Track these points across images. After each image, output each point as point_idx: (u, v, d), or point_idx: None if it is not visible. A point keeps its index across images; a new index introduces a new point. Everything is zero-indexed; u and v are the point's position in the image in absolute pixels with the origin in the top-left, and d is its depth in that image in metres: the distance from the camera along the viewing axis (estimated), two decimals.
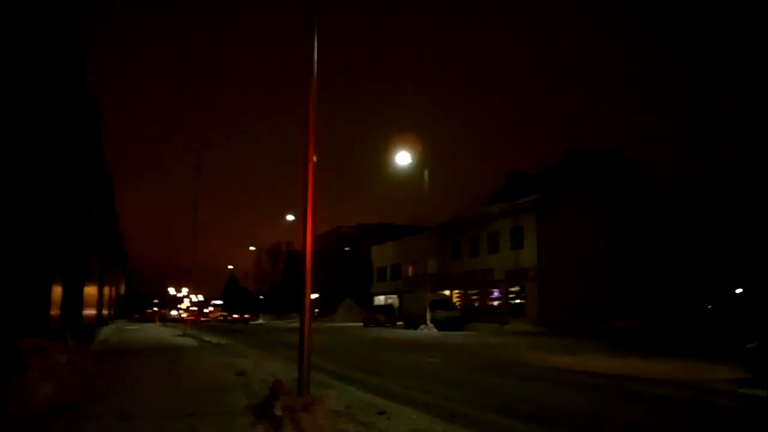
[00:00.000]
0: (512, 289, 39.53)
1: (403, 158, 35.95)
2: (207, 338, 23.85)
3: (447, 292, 45.08)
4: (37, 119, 11.78)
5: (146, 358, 14.45)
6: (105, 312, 32.47)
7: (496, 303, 41.08)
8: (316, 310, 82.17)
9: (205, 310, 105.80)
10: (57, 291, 13.56)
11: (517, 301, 39.09)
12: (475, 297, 43.63)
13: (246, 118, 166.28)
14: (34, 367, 9.26)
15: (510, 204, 40.33)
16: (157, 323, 57.43)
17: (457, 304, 43.79)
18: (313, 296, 63.07)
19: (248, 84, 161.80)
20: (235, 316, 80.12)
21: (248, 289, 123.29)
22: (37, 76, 11.96)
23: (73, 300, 15.82)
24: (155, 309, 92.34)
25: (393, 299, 56.02)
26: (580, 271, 36.02)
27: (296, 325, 40.79)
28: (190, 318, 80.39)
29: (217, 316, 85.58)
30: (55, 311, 13.25)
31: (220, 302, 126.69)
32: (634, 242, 37.67)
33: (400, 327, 42.07)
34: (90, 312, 20.91)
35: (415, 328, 37.35)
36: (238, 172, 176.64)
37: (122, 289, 68.97)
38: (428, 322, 36.47)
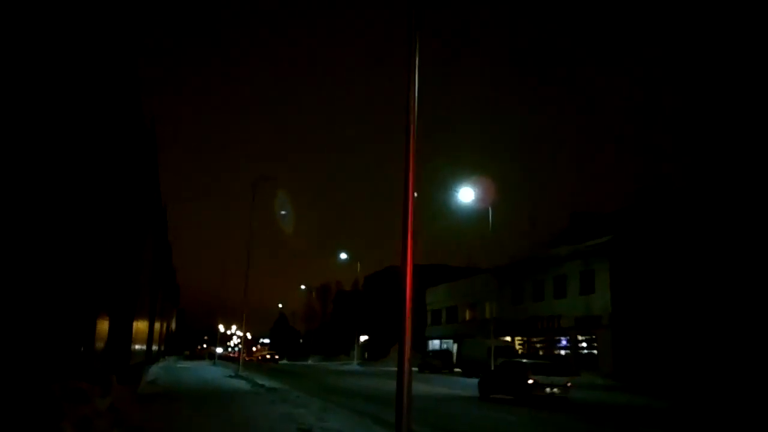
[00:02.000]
0: (582, 338, 36.65)
1: (466, 195, 34.18)
2: (260, 381, 22.24)
3: (508, 339, 42.44)
4: (85, 138, 10.58)
5: (198, 407, 12.86)
6: (155, 348, 31.39)
7: (563, 352, 38.17)
8: (366, 353, 79.95)
9: (253, 349, 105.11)
10: (102, 327, 12.20)
11: (588, 351, 36.16)
12: (539, 345, 40.80)
13: (305, 153, 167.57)
14: (68, 419, 7.76)
15: (580, 246, 37.76)
16: (207, 361, 56.46)
17: (520, 351, 41.06)
18: (363, 338, 61.48)
19: (309, 117, 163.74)
20: (267, 356, 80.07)
21: (297, 329, 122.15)
22: (90, 90, 10.82)
23: (121, 337, 14.47)
24: (205, 346, 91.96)
25: (448, 344, 53.49)
26: (660, 321, 32.92)
27: (348, 368, 39.46)
28: (255, 357, 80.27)
29: (257, 356, 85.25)
30: (99, 350, 11.87)
31: (267, 341, 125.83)
32: (722, 289, 34.31)
33: (458, 374, 39.55)
34: (139, 349, 19.64)
35: (478, 376, 34.83)
36: (294, 207, 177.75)
37: (173, 325, 68.52)
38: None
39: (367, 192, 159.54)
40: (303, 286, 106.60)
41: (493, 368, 22.04)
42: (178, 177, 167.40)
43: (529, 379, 18.55)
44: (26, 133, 8.49)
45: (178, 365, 37.88)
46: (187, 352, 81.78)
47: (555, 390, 18.16)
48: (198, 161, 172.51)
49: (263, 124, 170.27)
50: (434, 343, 57.67)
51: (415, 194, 6.68)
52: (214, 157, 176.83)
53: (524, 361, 20.75)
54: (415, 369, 46.37)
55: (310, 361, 79.58)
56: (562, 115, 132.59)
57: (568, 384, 18.57)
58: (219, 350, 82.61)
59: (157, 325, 30.46)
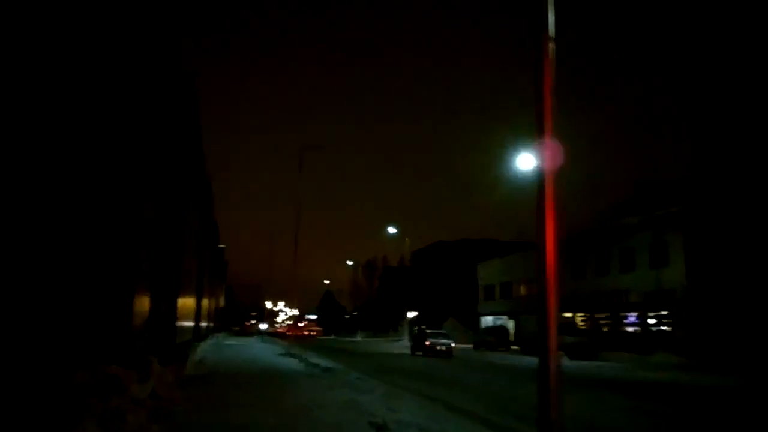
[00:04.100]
0: (652, 314, 34.10)
1: (525, 162, 31.86)
2: (314, 360, 20.84)
3: (569, 315, 40.21)
4: (119, 94, 8.98)
5: (250, 392, 11.39)
6: (204, 325, 30.51)
7: (631, 329, 35.72)
8: (415, 328, 78.62)
9: (299, 325, 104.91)
10: (142, 303, 10.76)
11: (657, 328, 33.63)
12: (603, 321, 38.41)
13: (354, 125, 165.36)
14: (91, 416, 6.26)
15: (650, 215, 35.01)
16: (255, 337, 56.05)
17: (582, 328, 38.83)
18: (411, 314, 59.99)
19: (360, 85, 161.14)
20: (305, 333, 76.59)
21: (342, 305, 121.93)
22: (121, 37, 9.19)
23: (165, 314, 13.10)
24: (253, 322, 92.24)
25: (502, 320, 51.56)
26: (741, 296, 30.15)
27: (399, 344, 38.82)
28: (297, 333, 78.21)
29: (299, 331, 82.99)
30: (138, 328, 10.44)
31: (314, 317, 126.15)
32: None
33: (515, 352, 37.70)
34: (186, 327, 18.43)
35: (537, 354, 32.90)
36: (342, 181, 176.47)
37: (222, 302, 68.43)
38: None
39: (412, 166, 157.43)
40: (350, 262, 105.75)
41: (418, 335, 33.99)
42: (226, 150, 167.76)
43: (426, 341, 31.08)
44: (58, 93, 7.02)
45: (227, 342, 37.09)
46: (236, 328, 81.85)
47: (443, 348, 30.24)
48: (243, 133, 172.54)
49: (311, 94, 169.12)
50: (487, 320, 55.82)
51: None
52: (260, 128, 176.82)
53: (424, 330, 34.20)
54: (468, 346, 44.74)
55: (358, 338, 78.67)
56: (623, 80, 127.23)
57: (452, 344, 30.99)
58: (263, 326, 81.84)
59: (205, 302, 29.49)
